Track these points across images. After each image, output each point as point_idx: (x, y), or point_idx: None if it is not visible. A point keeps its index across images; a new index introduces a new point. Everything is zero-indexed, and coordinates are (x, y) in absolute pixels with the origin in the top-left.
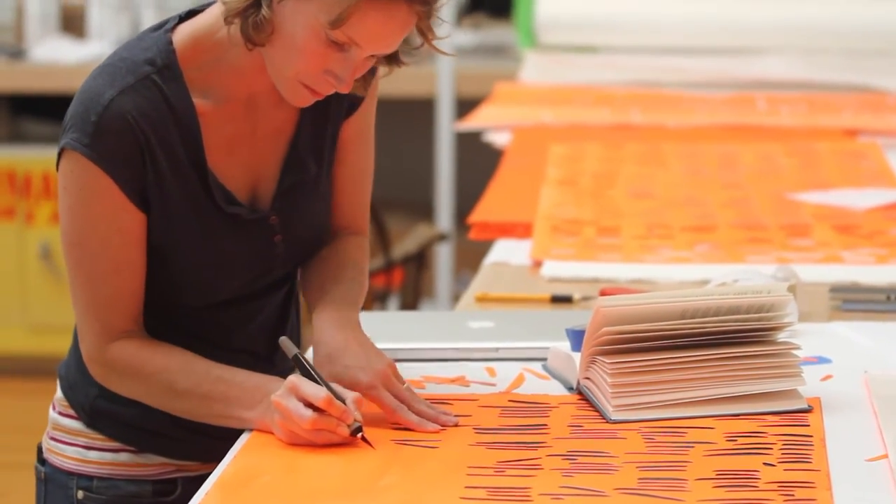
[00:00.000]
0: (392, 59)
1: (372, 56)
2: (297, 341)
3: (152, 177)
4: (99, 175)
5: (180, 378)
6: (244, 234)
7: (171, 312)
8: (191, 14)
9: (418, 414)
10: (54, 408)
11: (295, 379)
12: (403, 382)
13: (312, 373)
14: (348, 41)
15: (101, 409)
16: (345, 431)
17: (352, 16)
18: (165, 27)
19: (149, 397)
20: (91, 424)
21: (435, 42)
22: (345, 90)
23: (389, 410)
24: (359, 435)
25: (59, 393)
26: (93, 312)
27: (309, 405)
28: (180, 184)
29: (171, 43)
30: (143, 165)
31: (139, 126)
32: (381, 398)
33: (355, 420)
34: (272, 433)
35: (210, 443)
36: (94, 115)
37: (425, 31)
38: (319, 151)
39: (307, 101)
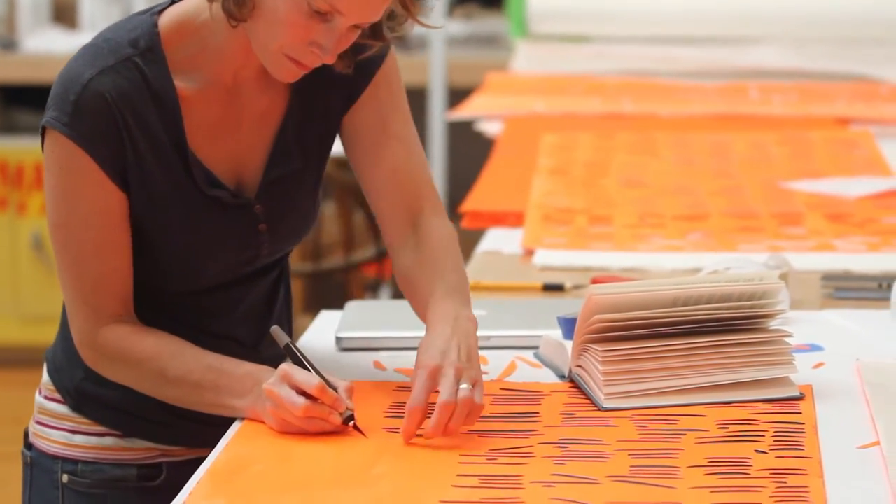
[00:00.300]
0: (376, 33)
1: (355, 27)
2: (288, 330)
3: (132, 158)
4: (78, 153)
5: (171, 365)
6: (227, 218)
7: (156, 297)
8: None
9: (442, 425)
10: (40, 392)
11: (287, 367)
12: (462, 383)
13: (304, 361)
14: (330, 9)
15: (86, 393)
16: (336, 420)
17: None
18: (153, 10)
19: (139, 383)
20: (76, 408)
21: (420, 16)
22: (329, 61)
23: (437, 398)
24: (350, 423)
25: (45, 377)
26: (81, 296)
27: (301, 393)
28: (161, 166)
29: (156, 25)
30: (122, 145)
31: (117, 106)
32: (416, 379)
33: (347, 408)
34: (263, 422)
35: (196, 428)
36: (73, 94)
37: (409, 4)
38: (306, 145)
39: (293, 74)
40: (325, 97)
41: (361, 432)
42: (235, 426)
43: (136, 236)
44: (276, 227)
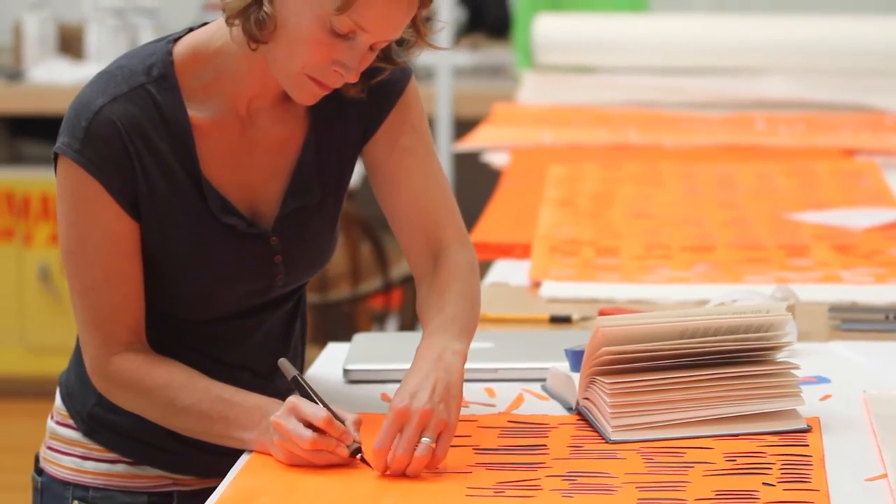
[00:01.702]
0: (387, 57)
1: (374, 47)
2: (301, 361)
3: (144, 186)
4: (88, 180)
5: (181, 395)
6: (241, 248)
7: (171, 326)
8: (203, 26)
9: (397, 472)
10: (52, 417)
11: (294, 400)
12: (431, 440)
13: (311, 394)
14: (354, 27)
15: (98, 419)
16: (344, 452)
17: (358, 0)
18: (169, 38)
19: (149, 412)
20: (88, 434)
21: (429, 38)
22: (353, 79)
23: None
24: (358, 456)
25: (58, 402)
26: (92, 323)
27: (309, 425)
28: (174, 194)
29: (170, 53)
30: (134, 173)
31: (128, 134)
32: (386, 419)
33: (354, 441)
34: (270, 454)
35: (208, 458)
36: (85, 120)
37: (420, 25)
38: (325, 176)
39: (314, 96)
40: (344, 127)
41: (369, 464)
42: (243, 459)
43: (151, 265)
44: (292, 258)
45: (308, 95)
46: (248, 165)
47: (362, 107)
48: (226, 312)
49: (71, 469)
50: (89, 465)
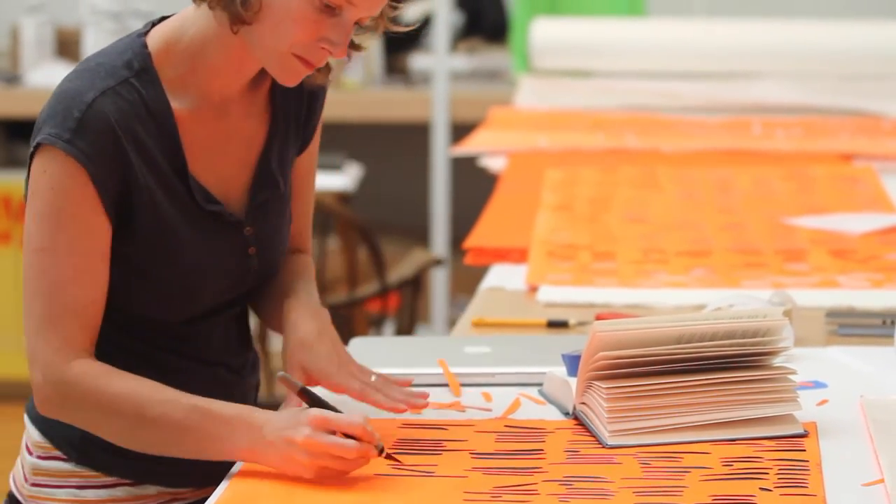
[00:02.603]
0: (350, 43)
1: (357, 25)
2: (251, 356)
3: (138, 181)
4: (76, 171)
5: (152, 404)
6: (222, 240)
7: (147, 330)
8: (163, 20)
9: (388, 397)
10: (30, 453)
11: (318, 413)
12: (371, 376)
13: (323, 403)
14: (342, 2)
15: (93, 442)
16: (374, 454)
17: None
18: (137, 32)
19: (111, 425)
20: (82, 461)
21: (393, 18)
22: (340, 55)
23: (357, 394)
24: (384, 454)
25: (34, 436)
26: (50, 324)
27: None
28: (162, 187)
29: (145, 46)
30: (123, 170)
31: (121, 129)
32: (348, 385)
33: (378, 440)
34: (260, 464)
35: (206, 467)
36: (77, 111)
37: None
38: (285, 170)
39: (299, 76)
40: (296, 126)
41: (398, 460)
42: (238, 464)
43: (133, 268)
44: (263, 250)
45: (293, 75)
46: (223, 156)
47: (303, 112)
48: (203, 309)
49: (69, 501)
50: (89, 493)
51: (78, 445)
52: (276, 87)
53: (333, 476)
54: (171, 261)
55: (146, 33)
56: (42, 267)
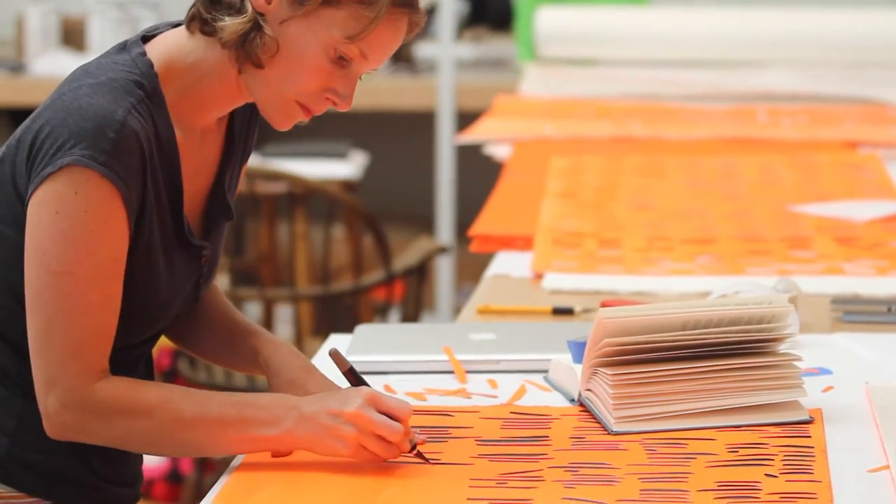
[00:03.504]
0: None
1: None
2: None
3: (142, 208)
4: (111, 194)
5: (184, 407)
6: (187, 269)
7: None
8: (146, 37)
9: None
10: None
11: (372, 391)
12: None
13: (368, 385)
14: (357, 56)
15: (16, 459)
16: (407, 446)
17: (374, 30)
18: (137, 48)
19: (146, 435)
20: (5, 478)
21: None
22: (344, 107)
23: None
24: (414, 451)
25: None
26: (74, 353)
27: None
28: (159, 212)
29: (151, 66)
30: (140, 194)
31: (146, 148)
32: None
33: (415, 435)
34: (298, 449)
35: (124, 492)
36: (112, 131)
37: None
38: (232, 192)
39: (293, 122)
40: (242, 149)
41: (426, 459)
42: (237, 461)
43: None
44: (208, 276)
45: (289, 121)
46: (195, 182)
47: (245, 135)
48: (160, 328)
49: None
50: None
51: (1, 463)
52: (235, 112)
53: (368, 460)
54: (145, 289)
55: (143, 51)
56: (65, 291)
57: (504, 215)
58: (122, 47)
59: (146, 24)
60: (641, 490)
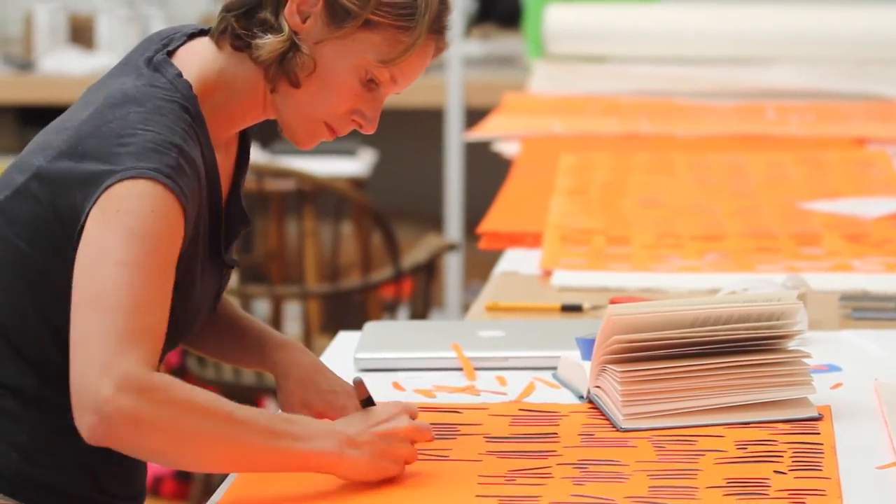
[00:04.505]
0: None
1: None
2: None
3: (198, 226)
4: (176, 206)
5: (235, 408)
6: (213, 285)
7: None
8: (168, 48)
9: None
10: None
11: (402, 403)
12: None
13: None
14: (387, 80)
15: (25, 475)
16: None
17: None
18: (172, 70)
19: (201, 428)
20: (13, 493)
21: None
22: (370, 130)
23: None
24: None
25: None
26: (134, 342)
27: None
28: (203, 231)
29: (191, 88)
30: (196, 215)
31: (199, 174)
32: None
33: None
34: (345, 473)
35: None
36: (173, 156)
37: None
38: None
39: (318, 142)
40: (246, 163)
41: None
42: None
43: None
44: (227, 282)
45: (314, 142)
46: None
47: (249, 140)
48: (182, 341)
49: None
50: None
51: (10, 477)
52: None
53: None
54: (181, 302)
55: (178, 71)
56: (127, 282)
57: (513, 212)
58: (151, 63)
59: (154, 21)
60: (650, 487)
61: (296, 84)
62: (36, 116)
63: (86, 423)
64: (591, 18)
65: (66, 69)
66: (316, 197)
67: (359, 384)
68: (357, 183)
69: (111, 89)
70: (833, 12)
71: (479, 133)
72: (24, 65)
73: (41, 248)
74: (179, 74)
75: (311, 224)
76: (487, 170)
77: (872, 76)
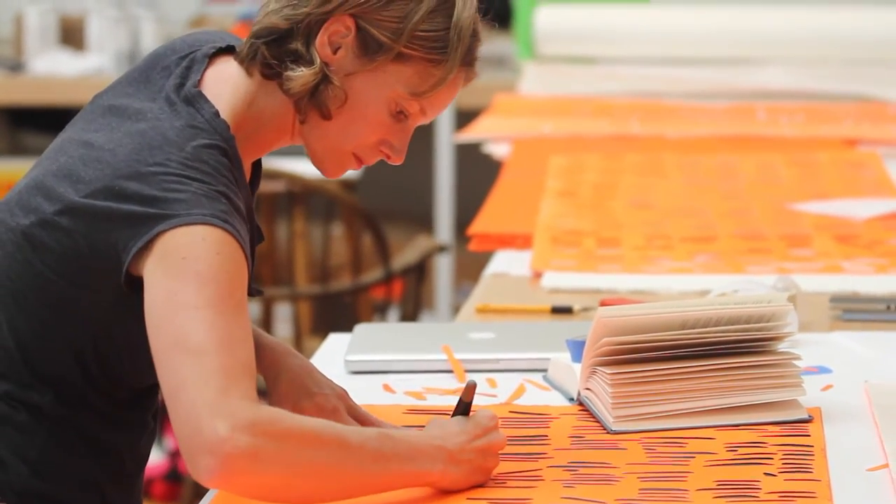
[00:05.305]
0: None
1: None
2: None
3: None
4: (238, 247)
5: (346, 433)
6: None
7: (136, 396)
8: (191, 69)
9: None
10: None
11: (491, 413)
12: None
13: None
14: (417, 111)
15: (33, 490)
16: None
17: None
18: (209, 109)
19: (316, 461)
20: None
21: None
22: (398, 161)
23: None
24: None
25: None
26: (234, 380)
27: None
28: None
29: (229, 129)
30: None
31: (244, 215)
32: (343, 419)
33: None
34: (436, 487)
35: None
36: (222, 203)
37: None
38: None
39: (345, 171)
40: (260, 175)
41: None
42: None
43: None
44: None
45: (341, 171)
46: None
47: (257, 166)
48: None
49: None
50: None
51: (20, 492)
52: None
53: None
54: None
55: (215, 110)
56: (208, 323)
57: (503, 214)
58: (183, 94)
59: (145, 23)
60: (641, 489)
61: (327, 116)
62: (27, 118)
63: (203, 466)
64: (581, 20)
65: (56, 70)
66: (306, 198)
67: (471, 388)
68: (347, 184)
69: (144, 124)
70: (824, 13)
71: (470, 134)
72: (15, 66)
73: (70, 279)
74: (217, 114)
75: (301, 225)
76: (478, 171)
77: (863, 77)
